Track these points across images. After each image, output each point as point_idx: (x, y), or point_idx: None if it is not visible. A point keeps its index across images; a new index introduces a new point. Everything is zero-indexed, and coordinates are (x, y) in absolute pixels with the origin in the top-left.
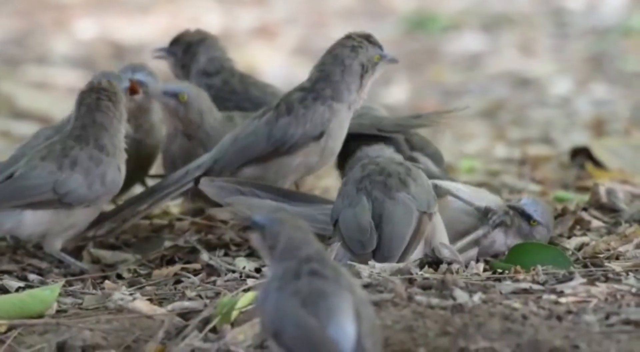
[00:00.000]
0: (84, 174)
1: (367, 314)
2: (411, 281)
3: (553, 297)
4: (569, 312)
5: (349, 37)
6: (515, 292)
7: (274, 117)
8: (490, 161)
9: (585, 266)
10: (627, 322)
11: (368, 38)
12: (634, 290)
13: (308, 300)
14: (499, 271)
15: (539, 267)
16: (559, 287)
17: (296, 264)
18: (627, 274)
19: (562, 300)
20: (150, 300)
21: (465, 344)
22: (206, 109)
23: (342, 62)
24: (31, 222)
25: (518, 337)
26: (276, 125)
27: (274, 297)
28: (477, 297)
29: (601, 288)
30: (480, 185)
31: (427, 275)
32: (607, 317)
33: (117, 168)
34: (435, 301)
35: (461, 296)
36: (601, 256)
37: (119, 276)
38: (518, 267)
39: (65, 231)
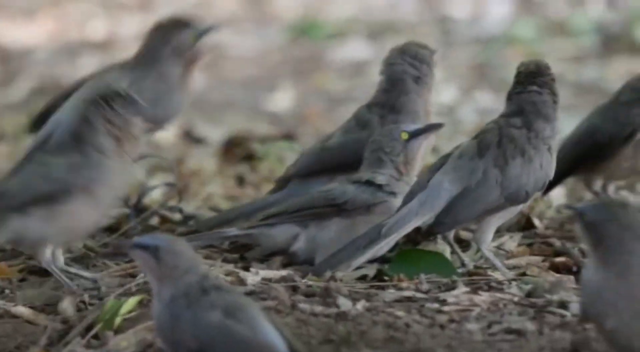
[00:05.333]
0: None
1: (277, 320)
2: (295, 289)
3: (436, 305)
4: (452, 320)
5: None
6: (398, 301)
7: (503, 160)
8: None
9: (469, 274)
10: (509, 331)
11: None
12: (516, 299)
13: (228, 312)
14: (385, 278)
15: (422, 276)
16: (442, 295)
17: (196, 281)
18: (510, 283)
19: (445, 308)
20: (33, 305)
21: None
22: None
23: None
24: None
25: (401, 346)
26: (508, 173)
27: (189, 314)
28: (360, 305)
29: (484, 297)
30: None
31: (310, 283)
32: (489, 325)
33: None
34: (318, 308)
35: (344, 304)
36: (485, 266)
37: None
38: (402, 276)
39: None
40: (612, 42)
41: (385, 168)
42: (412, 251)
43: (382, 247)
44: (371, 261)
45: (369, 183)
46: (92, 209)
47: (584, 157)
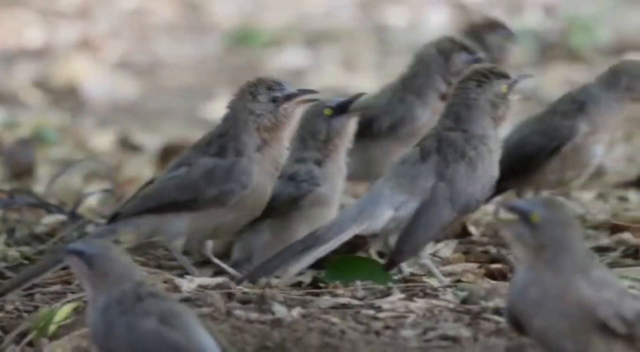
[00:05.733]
0: None
1: (212, 327)
2: (230, 296)
3: (371, 312)
4: (387, 327)
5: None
6: (333, 307)
7: (444, 165)
8: None
9: (404, 281)
10: (444, 337)
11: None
12: (451, 305)
13: (163, 318)
14: (320, 285)
15: (358, 283)
16: (377, 302)
17: (131, 288)
18: (445, 290)
19: (380, 315)
20: None
21: None
22: None
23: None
24: None
25: None
26: (455, 187)
27: (123, 321)
28: (295, 312)
29: (419, 303)
30: None
31: (246, 289)
32: (424, 332)
33: None
34: (254, 315)
35: (280, 311)
36: (420, 273)
37: None
38: (337, 282)
39: None
40: (549, 50)
41: (307, 149)
42: (348, 258)
43: (319, 254)
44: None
45: (292, 177)
46: (227, 214)
47: (514, 168)
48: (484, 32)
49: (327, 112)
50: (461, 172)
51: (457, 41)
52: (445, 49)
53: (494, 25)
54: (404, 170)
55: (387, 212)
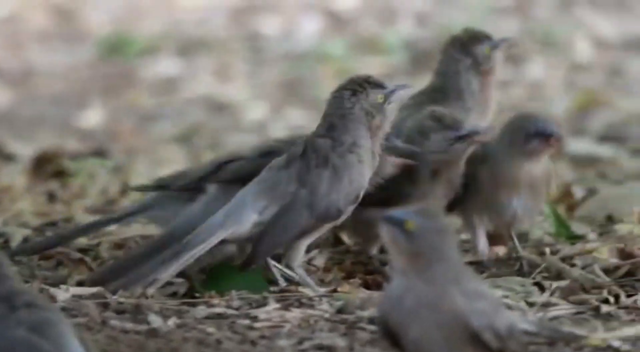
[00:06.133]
0: None
1: (86, 338)
2: (106, 305)
3: (247, 322)
4: (263, 337)
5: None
6: (209, 317)
7: (306, 171)
8: None
9: (280, 290)
10: (320, 347)
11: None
12: (327, 315)
13: (36, 328)
14: (196, 295)
15: (234, 293)
16: (253, 312)
17: (5, 297)
18: (321, 299)
19: (256, 325)
20: None
21: None
22: None
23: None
24: None
25: None
26: (315, 193)
27: None
28: (171, 321)
29: (295, 313)
30: None
31: (121, 299)
32: (300, 342)
33: None
34: (129, 325)
35: (155, 321)
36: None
37: None
38: (213, 292)
39: None
40: (421, 59)
41: None
42: (223, 267)
43: (188, 260)
44: (179, 276)
45: None
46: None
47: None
48: (470, 44)
49: None
50: (323, 179)
51: (438, 118)
52: (424, 129)
53: (479, 37)
54: (268, 176)
55: (251, 217)
